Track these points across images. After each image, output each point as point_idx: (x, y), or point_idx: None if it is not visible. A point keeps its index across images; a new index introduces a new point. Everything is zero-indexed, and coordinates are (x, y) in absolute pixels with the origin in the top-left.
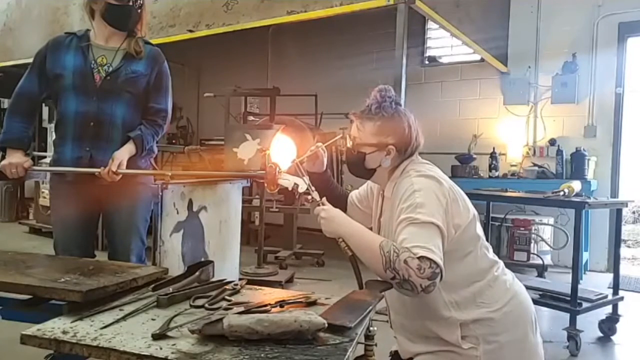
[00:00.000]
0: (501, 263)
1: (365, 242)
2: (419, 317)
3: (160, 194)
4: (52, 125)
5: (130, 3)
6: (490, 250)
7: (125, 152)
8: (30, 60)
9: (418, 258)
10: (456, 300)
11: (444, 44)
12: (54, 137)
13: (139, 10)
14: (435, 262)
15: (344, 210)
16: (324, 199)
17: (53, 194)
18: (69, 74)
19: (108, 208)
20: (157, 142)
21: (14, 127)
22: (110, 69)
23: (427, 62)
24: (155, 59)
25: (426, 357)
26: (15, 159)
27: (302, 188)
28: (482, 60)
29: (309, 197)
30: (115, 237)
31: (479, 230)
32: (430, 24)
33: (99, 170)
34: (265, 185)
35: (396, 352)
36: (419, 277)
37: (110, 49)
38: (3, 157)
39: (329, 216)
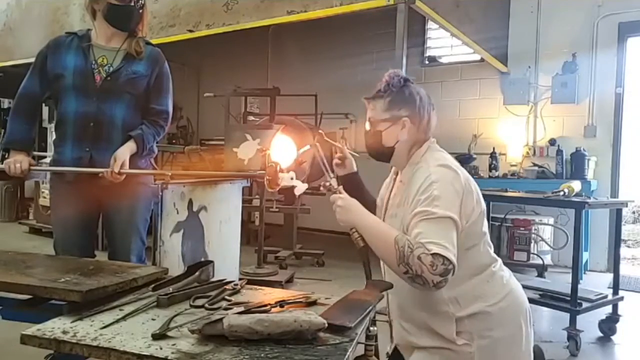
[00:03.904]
0: (499, 260)
1: (381, 234)
2: (416, 305)
3: (160, 194)
4: (52, 125)
5: (132, 3)
6: (492, 248)
7: (127, 151)
8: (30, 60)
9: (432, 255)
10: (455, 295)
11: (444, 44)
12: (54, 137)
13: (141, 11)
14: (448, 259)
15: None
16: (341, 187)
17: (53, 194)
18: (69, 74)
19: (108, 208)
20: (157, 143)
21: (17, 128)
22: (111, 69)
23: (427, 62)
24: (156, 59)
25: (421, 354)
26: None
27: (299, 190)
28: (482, 60)
29: (327, 183)
30: (115, 237)
31: (485, 227)
32: (430, 24)
33: (103, 171)
34: (266, 184)
35: (394, 350)
36: (431, 273)
37: (110, 50)
38: (4, 158)
39: (346, 205)
